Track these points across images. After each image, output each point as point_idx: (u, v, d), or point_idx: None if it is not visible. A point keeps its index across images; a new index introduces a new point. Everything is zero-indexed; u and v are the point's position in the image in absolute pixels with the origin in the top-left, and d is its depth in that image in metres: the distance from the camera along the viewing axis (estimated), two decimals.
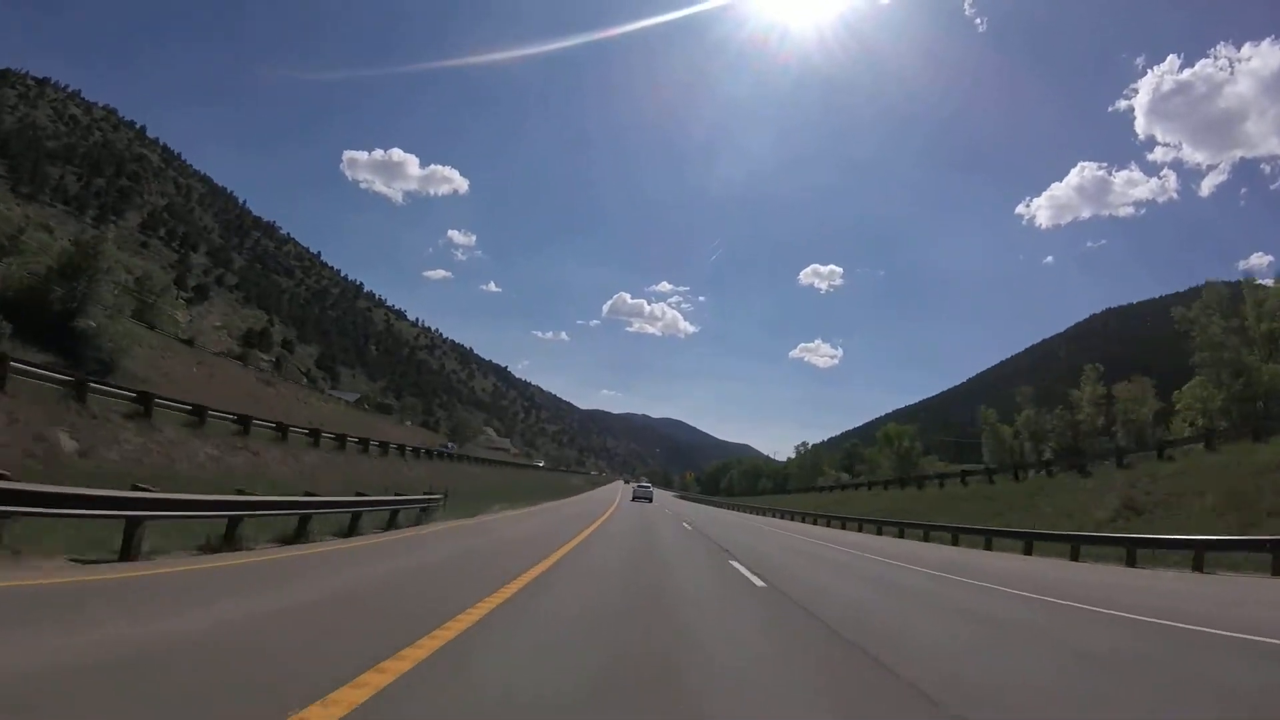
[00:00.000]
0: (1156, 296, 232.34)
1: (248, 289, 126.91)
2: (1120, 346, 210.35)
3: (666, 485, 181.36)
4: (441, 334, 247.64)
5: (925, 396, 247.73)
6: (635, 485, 66.39)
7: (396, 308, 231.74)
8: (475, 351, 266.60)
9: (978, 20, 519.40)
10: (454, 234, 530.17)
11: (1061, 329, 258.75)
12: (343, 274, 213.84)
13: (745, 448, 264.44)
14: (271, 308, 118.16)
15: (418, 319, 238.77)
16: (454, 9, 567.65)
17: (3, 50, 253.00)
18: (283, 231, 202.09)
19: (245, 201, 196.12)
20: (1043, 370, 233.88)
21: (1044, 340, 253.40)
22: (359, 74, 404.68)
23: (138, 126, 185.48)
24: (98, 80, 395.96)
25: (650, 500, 49.04)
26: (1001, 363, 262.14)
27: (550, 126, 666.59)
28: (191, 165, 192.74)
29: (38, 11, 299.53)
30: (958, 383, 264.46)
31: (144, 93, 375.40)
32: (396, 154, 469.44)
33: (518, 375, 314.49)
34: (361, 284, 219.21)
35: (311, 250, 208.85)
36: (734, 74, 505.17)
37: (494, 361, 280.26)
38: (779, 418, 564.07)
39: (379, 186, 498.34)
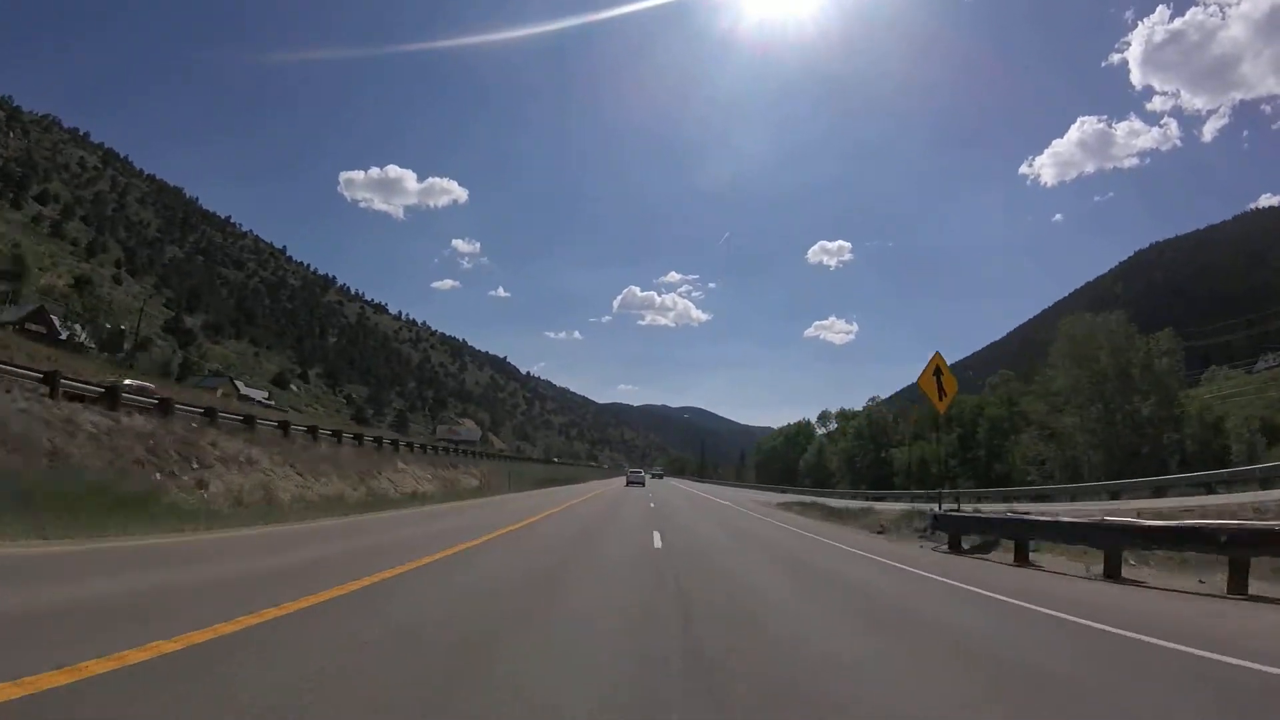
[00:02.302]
0: (1203, 226, 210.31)
1: (155, 268, 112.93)
2: (1176, 277, 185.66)
3: (700, 474, 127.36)
4: (430, 328, 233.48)
5: (962, 356, 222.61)
6: (629, 472, 65.30)
7: (377, 301, 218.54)
8: (469, 344, 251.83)
9: None
10: (458, 243, 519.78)
11: (1104, 269, 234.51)
12: (311, 268, 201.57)
13: (768, 430, 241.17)
14: (162, 281, 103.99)
15: (400, 312, 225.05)
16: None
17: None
18: (242, 228, 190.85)
19: (198, 199, 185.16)
20: (1100, 309, 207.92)
21: (1088, 283, 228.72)
22: (350, 54, 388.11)
23: (81, 133, 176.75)
24: (95, 123, 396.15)
25: (643, 485, 47.19)
26: (1044, 311, 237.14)
27: (544, 124, 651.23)
28: (137, 165, 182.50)
29: (39, 53, 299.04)
30: (996, 338, 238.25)
31: (138, 133, 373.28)
32: (393, 170, 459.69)
33: (535, 374, 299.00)
34: (333, 278, 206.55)
35: (276, 245, 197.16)
36: (727, 64, 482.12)
37: (491, 353, 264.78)
38: (799, 399, 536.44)
39: (379, 204, 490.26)
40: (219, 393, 51.33)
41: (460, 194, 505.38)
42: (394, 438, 34.03)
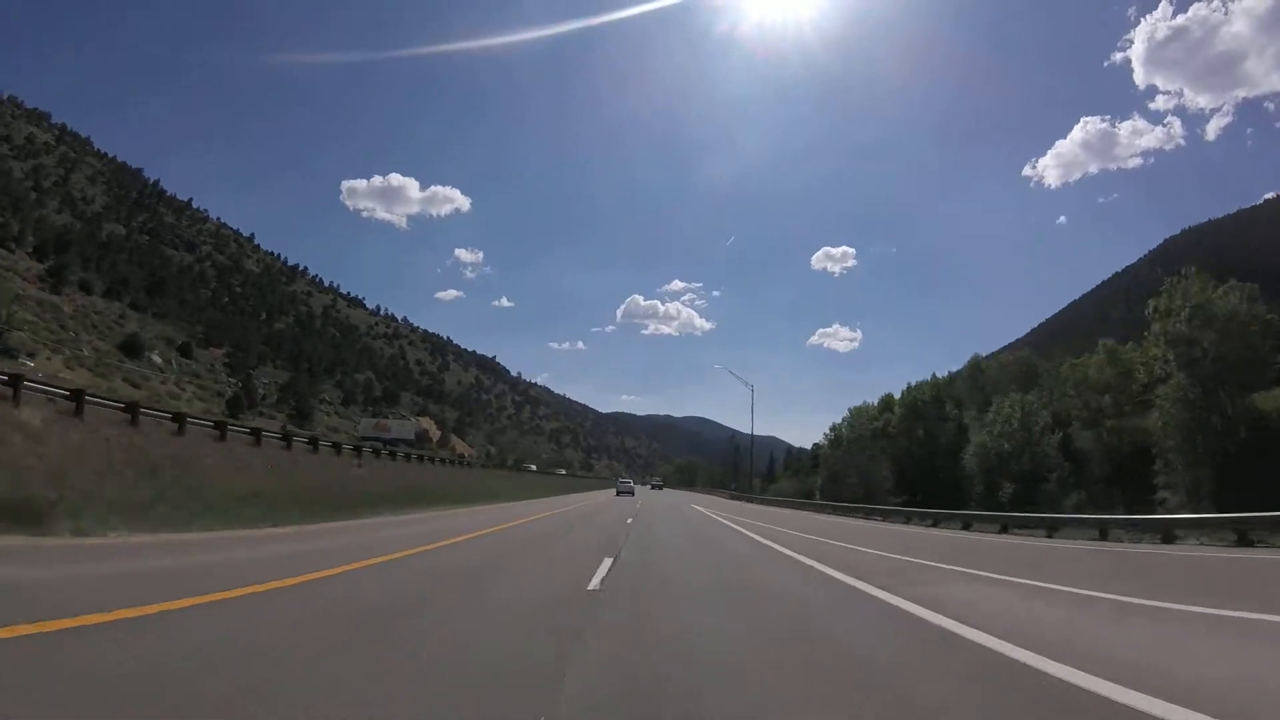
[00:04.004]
0: (1233, 211, 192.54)
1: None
2: (1219, 260, 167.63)
3: (737, 485, 61.17)
4: (410, 323, 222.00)
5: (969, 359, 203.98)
6: (618, 482, 64.17)
7: (353, 295, 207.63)
8: (453, 341, 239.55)
9: None
10: (461, 252, 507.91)
11: (1111, 271, 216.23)
12: (281, 257, 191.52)
13: (772, 439, 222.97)
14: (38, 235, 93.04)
15: (378, 306, 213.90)
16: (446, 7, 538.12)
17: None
18: (204, 212, 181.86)
19: (158, 181, 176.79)
20: (1136, 298, 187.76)
21: (1116, 273, 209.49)
22: (349, 59, 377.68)
23: (42, 111, 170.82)
24: (88, 123, 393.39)
25: (632, 494, 48.26)
26: (1074, 302, 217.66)
27: (546, 132, 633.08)
28: (98, 146, 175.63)
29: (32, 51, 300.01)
30: (1008, 340, 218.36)
31: (132, 136, 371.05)
32: (395, 178, 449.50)
33: (539, 383, 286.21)
34: (304, 268, 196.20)
35: (243, 233, 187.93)
36: (728, 66, 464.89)
37: (477, 352, 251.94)
38: (804, 408, 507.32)
39: (381, 213, 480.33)
40: None
41: (463, 202, 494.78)
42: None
